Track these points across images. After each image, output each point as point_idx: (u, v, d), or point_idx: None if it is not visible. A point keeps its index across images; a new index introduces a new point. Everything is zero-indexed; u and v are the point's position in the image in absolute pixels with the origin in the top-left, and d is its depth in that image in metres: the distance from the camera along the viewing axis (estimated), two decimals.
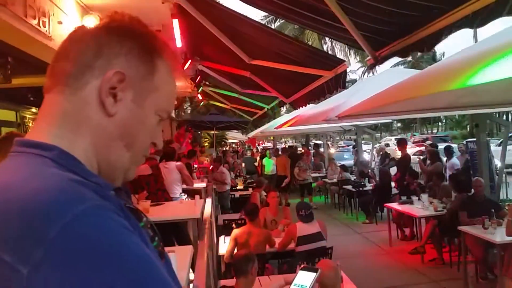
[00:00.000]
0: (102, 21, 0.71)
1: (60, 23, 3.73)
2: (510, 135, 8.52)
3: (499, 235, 4.66)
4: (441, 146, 12.30)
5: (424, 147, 17.51)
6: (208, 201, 5.59)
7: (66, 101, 0.66)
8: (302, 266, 0.93)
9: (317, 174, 12.72)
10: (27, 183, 0.55)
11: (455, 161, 9.34)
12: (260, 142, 35.68)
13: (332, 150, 22.56)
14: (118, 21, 0.70)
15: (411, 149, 17.17)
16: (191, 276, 3.13)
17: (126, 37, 0.68)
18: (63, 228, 0.49)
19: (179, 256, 3.01)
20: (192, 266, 3.25)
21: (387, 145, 22.42)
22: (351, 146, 24.61)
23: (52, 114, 0.66)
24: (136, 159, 0.73)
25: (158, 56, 0.72)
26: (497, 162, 8.20)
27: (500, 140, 14.97)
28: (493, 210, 5.02)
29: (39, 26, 3.30)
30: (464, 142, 12.14)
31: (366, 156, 12.79)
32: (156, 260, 0.59)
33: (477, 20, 2.21)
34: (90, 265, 0.49)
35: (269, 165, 13.01)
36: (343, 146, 30.80)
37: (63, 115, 0.66)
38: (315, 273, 0.93)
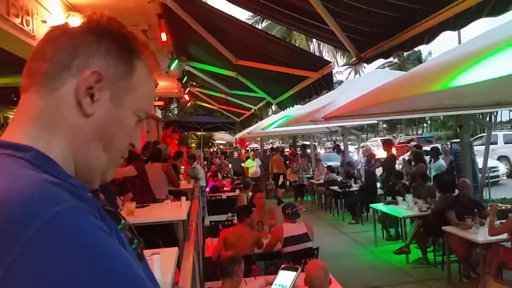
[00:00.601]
0: (80, 21, 0.70)
1: (44, 22, 3.68)
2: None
3: (481, 235, 4.74)
4: (428, 147, 12.49)
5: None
6: (195, 203, 5.57)
7: (42, 101, 0.65)
8: (282, 266, 0.94)
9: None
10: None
11: (442, 163, 9.46)
12: (247, 143, 35.69)
13: (322, 151, 22.64)
14: (96, 21, 0.69)
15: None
16: None
17: (104, 37, 0.68)
18: (39, 228, 0.48)
19: (164, 258, 3.00)
20: (179, 268, 3.24)
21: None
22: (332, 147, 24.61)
23: (28, 114, 0.65)
24: (113, 160, 0.72)
25: (136, 56, 0.71)
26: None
27: (473, 138, 15.30)
28: (476, 210, 5.11)
29: (23, 25, 3.26)
30: (448, 143, 12.32)
31: (356, 157, 12.94)
32: (134, 262, 0.58)
33: (458, 22, 2.25)
34: (66, 265, 0.48)
35: (253, 167, 12.92)
36: (330, 147, 30.96)
37: (40, 115, 0.65)
38: (295, 272, 0.93)
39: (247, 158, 14.02)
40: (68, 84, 0.65)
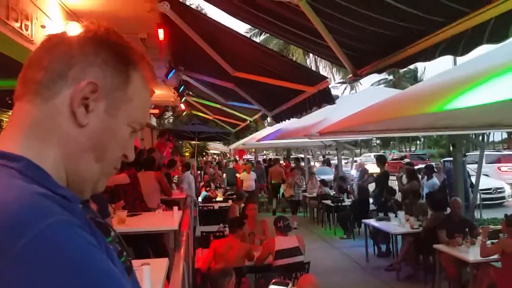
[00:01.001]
0: (78, 30, 0.70)
1: (43, 27, 3.68)
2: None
3: (472, 254, 4.75)
4: (421, 165, 12.33)
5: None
6: (187, 213, 5.53)
7: (36, 110, 0.64)
8: (273, 281, 0.93)
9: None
10: None
11: (436, 181, 9.49)
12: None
13: (317, 165, 22.55)
14: (94, 31, 0.69)
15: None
16: None
17: (101, 47, 0.68)
18: (28, 242, 0.48)
19: (154, 269, 2.96)
20: (168, 279, 3.20)
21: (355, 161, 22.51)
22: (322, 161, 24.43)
23: (21, 123, 0.65)
24: (106, 171, 0.71)
25: (133, 67, 0.71)
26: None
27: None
28: (467, 230, 5.12)
29: (21, 29, 3.25)
30: (441, 161, 12.31)
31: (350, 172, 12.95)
32: (123, 277, 0.58)
33: (459, 47, 2.26)
34: (55, 279, 0.48)
35: (247, 180, 12.72)
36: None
37: (33, 125, 0.64)
38: None
39: (244, 170, 13.95)
40: (63, 94, 0.64)
